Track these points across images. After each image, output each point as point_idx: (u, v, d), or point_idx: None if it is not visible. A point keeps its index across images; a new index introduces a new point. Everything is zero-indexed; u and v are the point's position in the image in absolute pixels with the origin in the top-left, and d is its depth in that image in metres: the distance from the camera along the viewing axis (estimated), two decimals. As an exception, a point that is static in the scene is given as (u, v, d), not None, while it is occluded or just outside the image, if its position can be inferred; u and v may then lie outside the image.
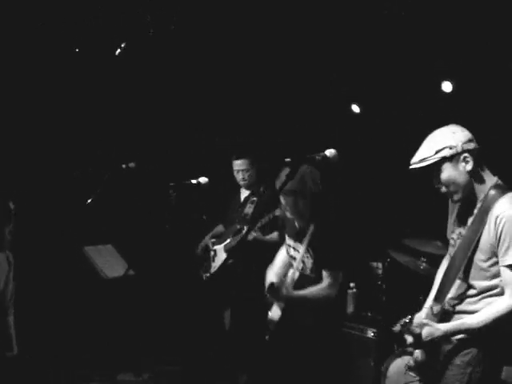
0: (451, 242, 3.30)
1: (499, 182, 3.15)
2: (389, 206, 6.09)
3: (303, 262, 4.01)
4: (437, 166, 3.09)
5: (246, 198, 5.78)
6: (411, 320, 3.18)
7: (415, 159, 3.14)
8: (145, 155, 6.02)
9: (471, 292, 3.13)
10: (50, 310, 5.73)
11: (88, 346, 5.72)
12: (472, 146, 3.09)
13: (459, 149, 3.05)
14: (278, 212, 4.78)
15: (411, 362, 3.29)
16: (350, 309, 5.69)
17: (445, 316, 3.17)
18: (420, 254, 4.97)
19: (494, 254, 3.03)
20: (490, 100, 5.35)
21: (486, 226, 3.04)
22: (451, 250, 3.29)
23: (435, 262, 4.45)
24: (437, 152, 3.06)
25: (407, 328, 3.17)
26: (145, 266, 5.53)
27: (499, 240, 2.99)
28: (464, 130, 3.14)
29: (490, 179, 3.14)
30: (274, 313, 4.01)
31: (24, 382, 4.86)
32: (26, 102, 6.02)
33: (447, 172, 3.08)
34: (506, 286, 3.00)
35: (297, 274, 3.99)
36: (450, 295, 3.18)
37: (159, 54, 6.26)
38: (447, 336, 3.10)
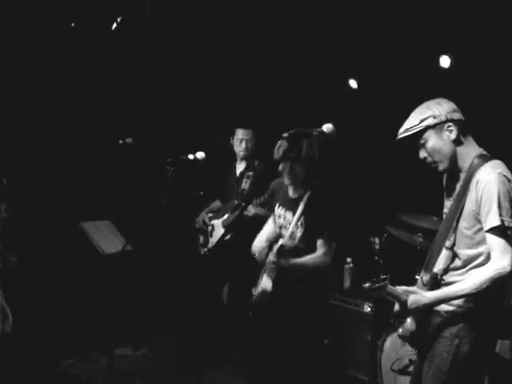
0: (444, 216, 3.33)
1: (484, 152, 3.18)
2: (386, 182, 6.11)
3: (293, 231, 4.09)
4: (421, 135, 3.15)
5: (242, 173, 5.78)
6: (385, 279, 3.13)
7: (401, 130, 3.20)
8: (142, 131, 6.05)
9: (457, 262, 3.16)
10: (47, 285, 5.73)
11: (86, 320, 5.72)
12: (457, 116, 3.15)
13: (443, 118, 3.12)
14: None
15: (401, 331, 3.31)
16: (347, 284, 5.69)
17: (435, 286, 3.19)
18: (416, 229, 5.00)
19: (478, 220, 3.06)
20: (489, 75, 5.34)
21: (469, 194, 3.08)
22: None
23: (431, 237, 4.52)
24: (421, 121, 3.13)
25: (381, 288, 3.10)
26: (142, 241, 5.56)
27: (480, 205, 3.02)
28: (450, 101, 3.20)
29: (475, 149, 3.19)
30: (266, 284, 4.08)
31: (21, 356, 4.94)
32: (21, 87, 5.97)
33: (432, 141, 3.14)
34: (491, 251, 3.01)
35: (289, 243, 4.08)
36: (439, 266, 3.19)
37: (156, 28, 6.22)
38: (433, 304, 3.12)
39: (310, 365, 4.20)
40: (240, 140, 5.77)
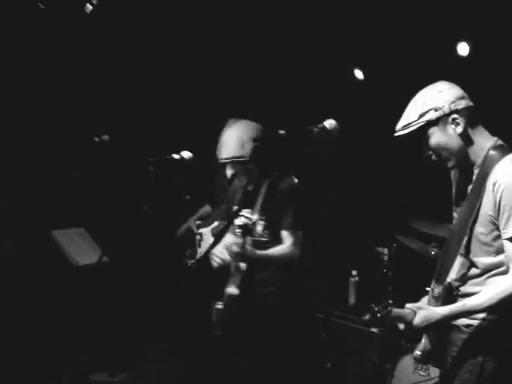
0: (454, 215, 3.11)
1: (500, 141, 2.97)
2: (396, 185, 5.98)
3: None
4: (423, 132, 2.95)
5: (234, 174, 5.49)
6: (388, 305, 2.92)
7: (399, 125, 3.01)
8: (120, 126, 5.80)
9: (475, 271, 2.96)
10: (15, 302, 5.53)
11: (58, 342, 5.51)
12: (462, 104, 2.92)
13: (446, 110, 2.90)
14: None
15: (417, 353, 3.10)
16: (352, 300, 5.63)
17: (449, 298, 2.99)
18: (430, 238, 4.81)
19: (496, 226, 2.86)
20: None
21: (485, 195, 2.88)
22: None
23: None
24: (421, 116, 2.93)
25: (386, 316, 2.90)
26: (121, 251, 5.31)
27: (499, 210, 2.82)
28: (453, 86, 2.98)
29: (489, 140, 2.97)
30: (231, 290, 4.00)
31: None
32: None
33: (435, 137, 2.94)
34: (509, 261, 2.82)
35: (249, 239, 3.98)
36: (453, 275, 3.01)
37: (137, 15, 6.03)
38: (447, 320, 2.92)
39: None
40: None
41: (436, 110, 2.89)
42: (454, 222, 3.11)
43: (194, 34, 6.27)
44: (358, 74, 6.32)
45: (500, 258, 2.89)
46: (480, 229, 2.90)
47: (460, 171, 3.09)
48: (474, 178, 2.95)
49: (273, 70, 6.49)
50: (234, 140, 3.94)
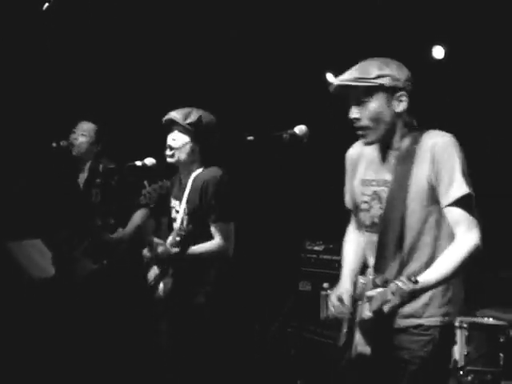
0: (365, 198, 3.17)
1: (415, 123, 3.10)
2: None
3: (182, 221, 4.15)
4: (369, 93, 3.01)
5: (87, 183, 5.42)
6: (386, 280, 2.82)
7: (347, 76, 3.03)
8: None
9: (415, 266, 3.00)
10: None
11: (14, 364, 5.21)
12: (411, 88, 3.03)
13: (400, 84, 2.99)
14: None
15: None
16: (324, 313, 5.56)
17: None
18: None
19: (435, 197, 2.97)
20: (486, 67, 5.34)
21: (415, 165, 2.99)
22: (374, 211, 3.14)
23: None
24: (378, 77, 2.98)
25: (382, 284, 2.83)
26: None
27: (438, 172, 2.94)
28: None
29: (411, 124, 3.10)
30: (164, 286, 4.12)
31: None
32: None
33: (377, 103, 3.02)
34: (455, 226, 2.92)
35: (177, 237, 4.01)
36: (392, 271, 3.00)
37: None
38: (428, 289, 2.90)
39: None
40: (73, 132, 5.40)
41: (393, 79, 2.97)
42: (364, 207, 3.17)
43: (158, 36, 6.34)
44: (330, 77, 6.42)
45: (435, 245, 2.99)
46: (416, 206, 2.98)
47: (376, 152, 3.17)
48: (393, 159, 3.09)
49: (243, 75, 6.57)
50: (198, 117, 4.16)
